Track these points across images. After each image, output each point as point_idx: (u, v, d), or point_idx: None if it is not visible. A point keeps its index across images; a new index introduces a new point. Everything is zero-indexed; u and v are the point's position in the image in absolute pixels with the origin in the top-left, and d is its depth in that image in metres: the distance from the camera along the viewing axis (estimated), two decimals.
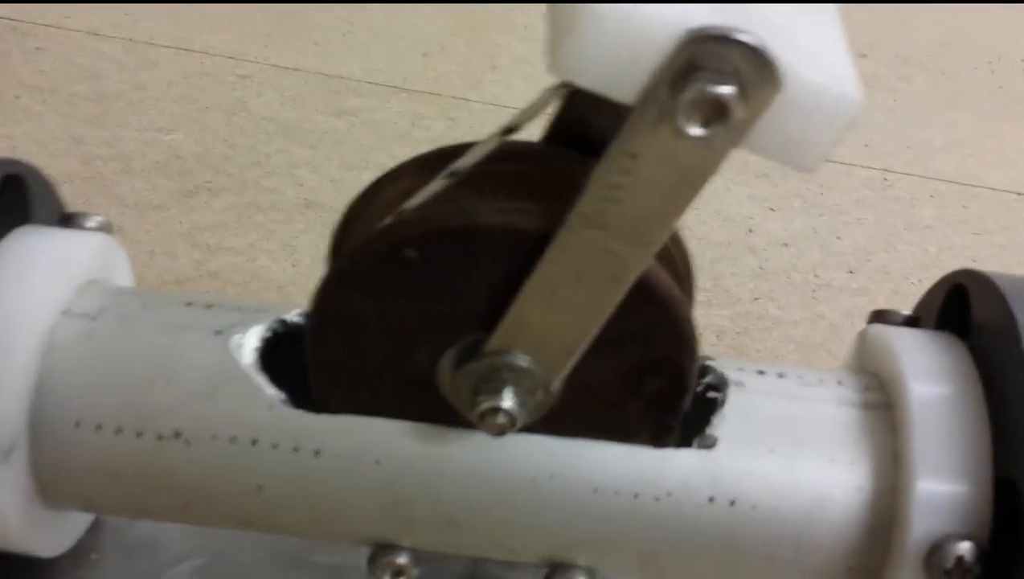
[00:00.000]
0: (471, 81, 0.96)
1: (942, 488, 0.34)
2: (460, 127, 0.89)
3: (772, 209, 0.85)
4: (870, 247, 0.82)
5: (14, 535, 0.35)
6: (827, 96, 0.25)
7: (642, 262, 0.30)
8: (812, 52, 0.25)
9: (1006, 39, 1.17)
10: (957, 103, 1.06)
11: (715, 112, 0.24)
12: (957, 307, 0.39)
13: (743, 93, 0.24)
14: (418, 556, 0.36)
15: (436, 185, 0.32)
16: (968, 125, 1.02)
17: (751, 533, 0.35)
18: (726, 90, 0.24)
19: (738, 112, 0.24)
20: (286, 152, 0.84)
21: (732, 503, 0.34)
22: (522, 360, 0.32)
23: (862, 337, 0.40)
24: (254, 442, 0.35)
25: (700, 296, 0.75)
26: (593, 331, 0.31)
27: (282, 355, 0.37)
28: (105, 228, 0.41)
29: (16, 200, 0.39)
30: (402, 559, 0.35)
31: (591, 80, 0.25)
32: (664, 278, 0.32)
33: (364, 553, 0.36)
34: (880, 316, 0.42)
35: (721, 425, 0.35)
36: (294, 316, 0.38)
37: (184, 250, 0.73)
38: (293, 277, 0.72)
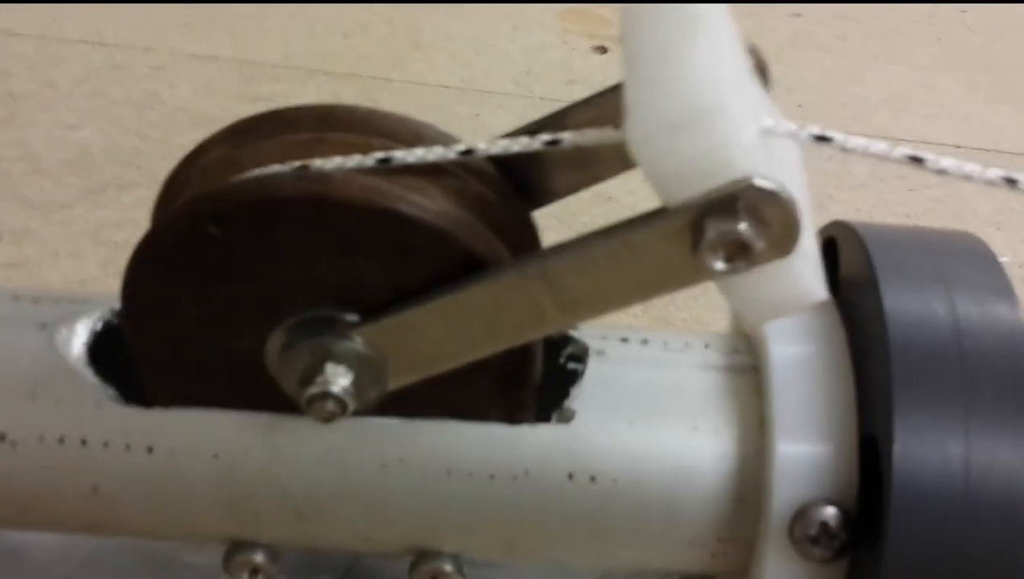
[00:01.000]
0: (394, 60, 0.95)
1: (804, 451, 0.32)
2: (381, 108, 0.87)
3: None
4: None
5: None
6: (802, 281, 0.27)
7: (563, 327, 0.30)
8: (806, 243, 0.27)
9: None
10: (893, 58, 1.04)
11: (735, 250, 0.26)
12: (830, 261, 0.38)
13: (766, 245, 0.26)
14: (276, 552, 0.34)
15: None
16: (904, 79, 1.00)
17: (615, 509, 0.33)
18: (756, 238, 0.26)
19: (753, 259, 0.26)
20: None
21: (592, 479, 0.33)
22: (369, 350, 0.30)
23: None
24: (83, 442, 0.33)
25: None
26: (468, 359, 0.30)
27: (118, 348, 0.34)
28: None
29: None
30: (258, 557, 0.34)
31: (657, 172, 0.25)
32: (495, 247, 0.30)
33: None
34: None
35: (580, 397, 0.34)
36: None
37: (90, 249, 0.71)
38: None
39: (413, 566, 0.34)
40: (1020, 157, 0.91)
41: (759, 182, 0.25)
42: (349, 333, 0.30)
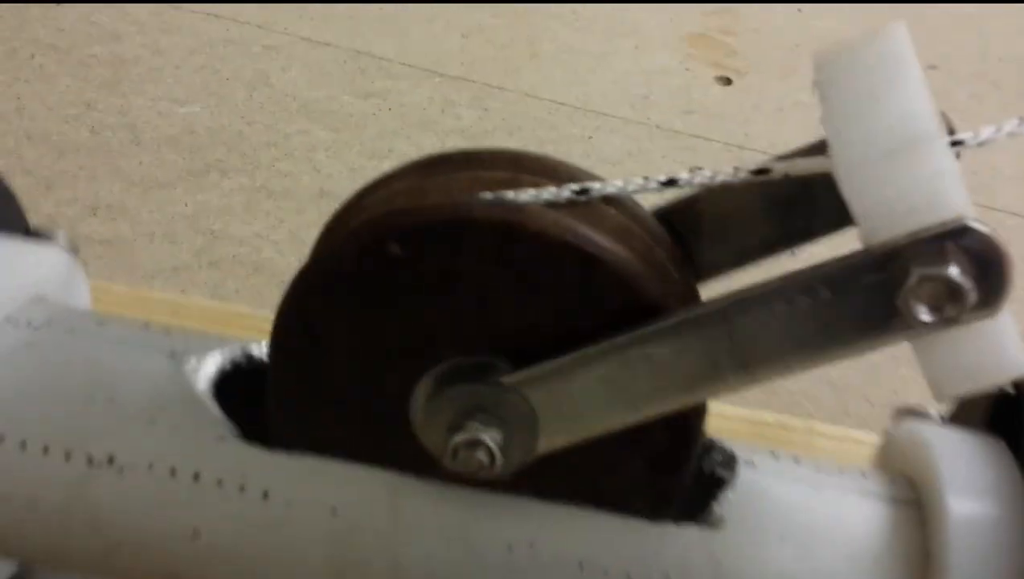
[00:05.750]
0: (509, 68, 0.92)
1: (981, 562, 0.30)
2: (491, 118, 0.85)
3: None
4: None
5: None
6: (1008, 348, 0.25)
7: (739, 388, 0.27)
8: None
9: None
10: None
11: (943, 298, 0.24)
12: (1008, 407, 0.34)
13: (978, 294, 0.24)
14: None
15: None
16: None
17: None
18: (967, 284, 0.24)
19: (964, 309, 0.24)
20: (306, 133, 0.80)
21: None
22: (524, 403, 0.28)
23: (889, 436, 0.36)
24: (196, 476, 0.31)
25: None
26: (628, 420, 0.28)
27: (244, 395, 0.33)
28: (71, 248, 0.38)
29: None
30: None
31: (864, 205, 0.25)
32: (674, 298, 0.29)
33: None
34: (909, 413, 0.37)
35: (727, 505, 0.31)
36: (260, 350, 0.34)
37: (186, 235, 0.70)
38: None
39: None
40: None
41: (973, 224, 0.23)
42: (505, 383, 0.28)
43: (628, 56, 0.99)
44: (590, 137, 0.86)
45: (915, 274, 0.24)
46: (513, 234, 0.26)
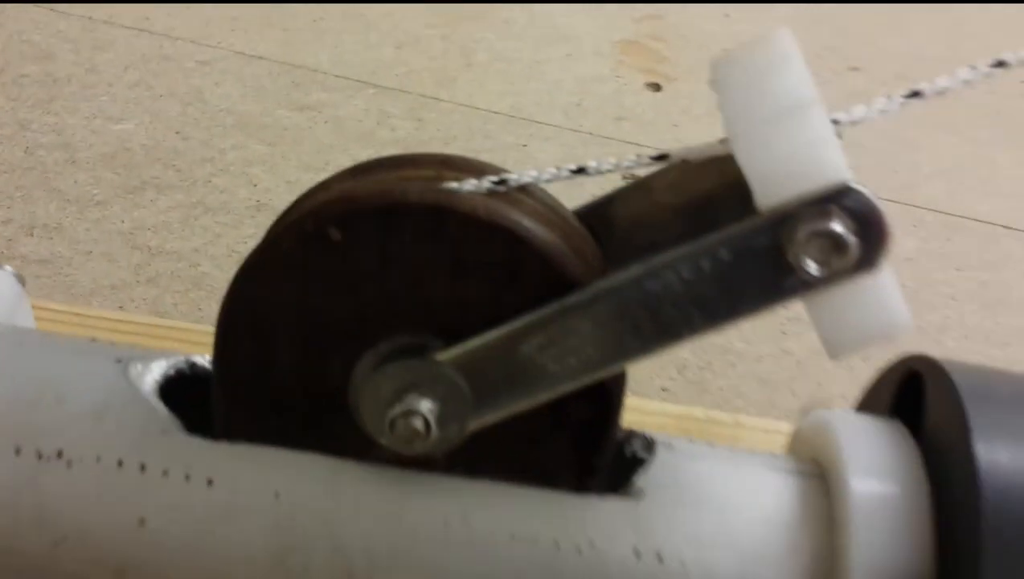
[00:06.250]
0: (444, 79, 0.93)
1: (880, 558, 0.32)
2: (427, 129, 0.86)
3: None
4: None
5: None
6: (892, 304, 0.28)
7: (660, 350, 0.29)
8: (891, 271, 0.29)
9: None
10: (951, 126, 1.02)
11: (829, 251, 0.27)
12: (911, 390, 0.37)
13: (859, 246, 0.27)
14: None
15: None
16: (960, 150, 0.99)
17: None
18: (849, 236, 0.27)
19: (845, 260, 0.27)
20: (242, 148, 0.80)
21: (659, 558, 0.32)
22: (456, 378, 0.30)
23: (803, 420, 0.38)
24: (142, 467, 0.32)
25: None
26: (554, 392, 0.30)
27: (187, 400, 0.34)
28: (19, 279, 0.39)
29: None
30: None
31: (754, 169, 0.27)
32: (591, 274, 0.31)
33: None
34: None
35: (647, 479, 0.33)
36: (203, 360, 0.35)
37: (123, 252, 0.70)
38: None
39: None
40: None
41: (853, 184, 0.26)
42: (438, 360, 0.30)
43: (561, 64, 1.01)
44: (524, 145, 0.88)
45: (803, 231, 0.27)
46: (444, 215, 0.28)
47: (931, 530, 0.31)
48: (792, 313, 0.75)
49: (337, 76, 0.90)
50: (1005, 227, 0.89)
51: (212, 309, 0.68)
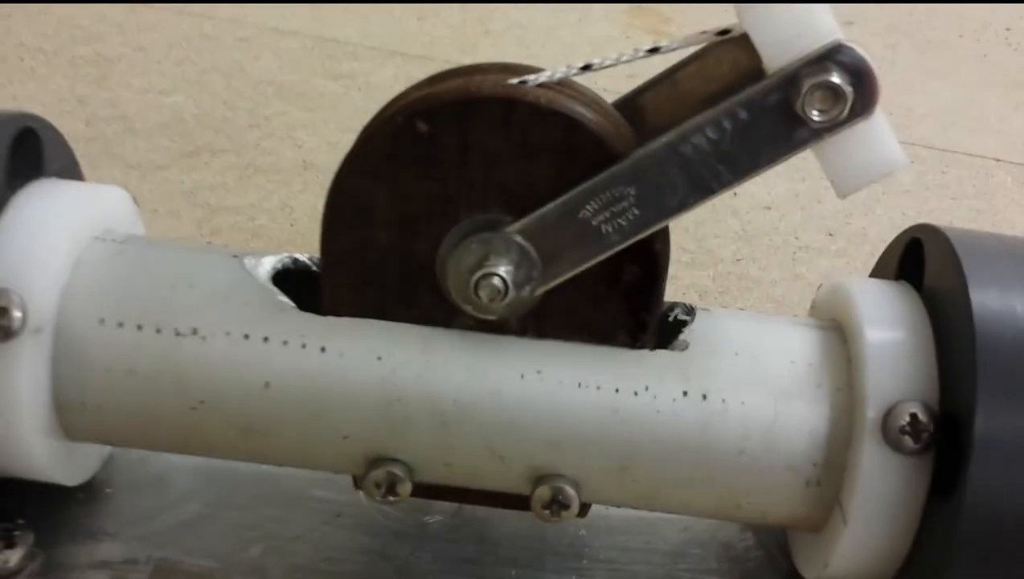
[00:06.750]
0: (465, 45, 0.99)
1: (891, 355, 0.37)
2: None
3: None
4: (850, 210, 0.85)
5: (37, 451, 0.38)
6: (887, 144, 0.33)
7: (699, 201, 0.34)
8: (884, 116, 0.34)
9: (992, 8, 1.19)
10: (941, 71, 1.08)
11: (830, 100, 0.32)
12: (915, 259, 0.41)
13: (855, 95, 0.32)
14: (411, 470, 0.38)
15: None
16: (951, 93, 1.04)
17: (722, 426, 0.37)
18: (846, 85, 0.31)
19: (844, 109, 0.32)
20: (284, 115, 0.86)
21: (704, 397, 0.37)
22: (526, 244, 0.35)
23: (820, 289, 0.43)
24: (265, 339, 0.37)
25: (685, 257, 0.78)
26: (611, 249, 0.35)
27: (294, 288, 0.39)
28: (133, 198, 0.45)
29: (33, 152, 0.41)
30: (397, 470, 0.37)
31: (761, 37, 0.32)
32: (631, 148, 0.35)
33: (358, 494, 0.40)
34: None
35: (690, 335, 0.38)
36: (303, 256, 0.41)
37: (186, 209, 0.76)
38: (291, 236, 0.75)
39: (533, 491, 0.38)
40: None
41: (845, 42, 0.32)
42: (511, 231, 0.35)
43: (573, 28, 1.06)
44: None
45: (806, 84, 0.32)
46: (512, 105, 0.34)
47: (934, 364, 0.37)
48: (802, 243, 0.81)
49: (366, 47, 0.96)
50: (996, 160, 0.95)
51: None
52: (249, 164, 0.81)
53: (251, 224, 0.76)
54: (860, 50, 0.32)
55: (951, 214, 0.86)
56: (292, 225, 0.76)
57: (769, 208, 0.84)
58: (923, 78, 1.06)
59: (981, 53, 1.11)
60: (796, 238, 0.82)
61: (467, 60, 0.95)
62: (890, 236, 0.82)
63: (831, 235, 0.83)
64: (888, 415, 0.35)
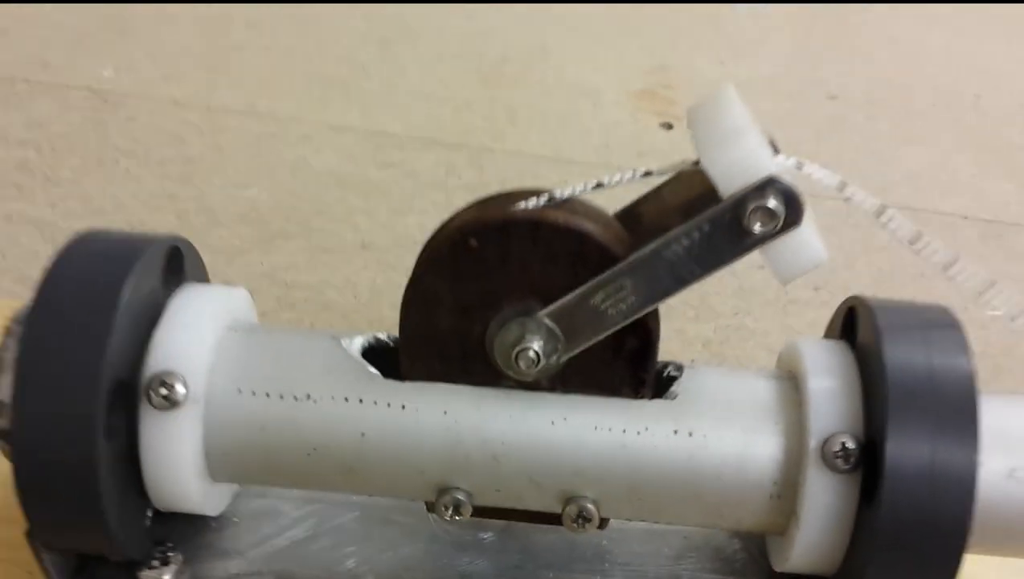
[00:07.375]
0: (495, 133, 1.06)
1: (829, 393, 0.42)
2: (487, 174, 1.00)
3: None
4: (833, 267, 0.92)
5: (193, 491, 0.44)
6: (812, 246, 0.39)
7: (674, 293, 0.40)
8: (812, 228, 0.39)
9: (963, 78, 1.25)
10: (915, 138, 1.14)
11: (767, 218, 0.38)
12: (852, 322, 0.47)
13: (786, 214, 0.38)
14: (471, 496, 0.43)
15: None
16: (925, 157, 1.11)
17: (705, 456, 0.42)
18: (779, 207, 0.38)
19: (778, 223, 0.38)
20: (343, 201, 0.95)
21: (690, 434, 0.42)
22: (552, 325, 0.40)
23: (783, 348, 0.49)
24: (360, 400, 0.42)
25: (690, 312, 0.87)
26: (617, 325, 0.40)
27: (378, 361, 0.44)
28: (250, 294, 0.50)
29: (178, 263, 0.49)
30: (460, 495, 0.43)
31: (717, 172, 0.38)
32: (628, 251, 0.40)
33: (432, 518, 0.46)
34: None
35: (680, 387, 0.43)
36: (383, 335, 0.46)
37: (266, 287, 0.85)
38: (356, 307, 0.83)
39: (564, 509, 0.43)
40: (1018, 227, 1.02)
41: (778, 177, 0.37)
42: (540, 315, 0.40)
43: (588, 113, 1.14)
44: (566, 180, 0.97)
45: (750, 206, 0.37)
46: (540, 225, 0.39)
47: (860, 404, 0.43)
48: (792, 297, 0.90)
49: (409, 137, 1.04)
50: (964, 217, 1.01)
51: (341, 326, 0.83)
52: (316, 246, 0.89)
53: (321, 298, 0.84)
54: (789, 182, 0.37)
55: (921, 266, 0.90)
56: (355, 297, 0.84)
57: (762, 267, 0.89)
58: (899, 145, 1.12)
59: (952, 120, 1.17)
60: (786, 293, 0.89)
61: (497, 145, 1.08)
62: (869, 288, 0.92)
63: (817, 289, 0.90)
64: (826, 443, 0.41)
